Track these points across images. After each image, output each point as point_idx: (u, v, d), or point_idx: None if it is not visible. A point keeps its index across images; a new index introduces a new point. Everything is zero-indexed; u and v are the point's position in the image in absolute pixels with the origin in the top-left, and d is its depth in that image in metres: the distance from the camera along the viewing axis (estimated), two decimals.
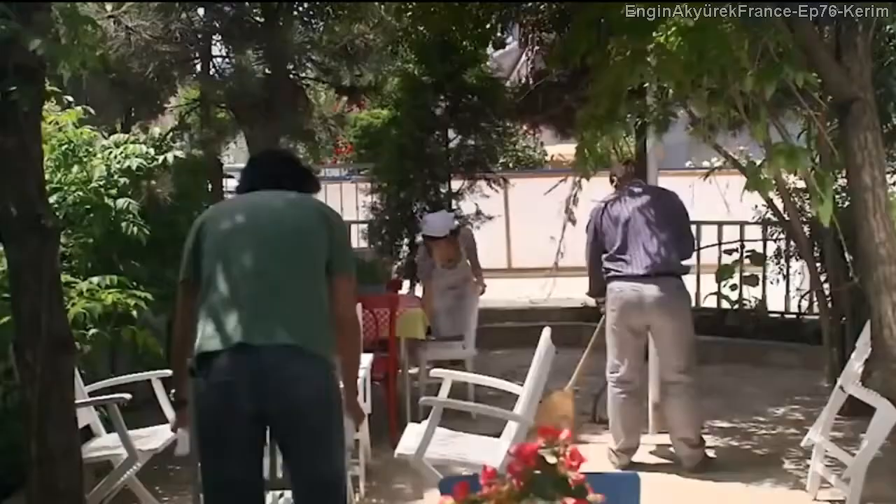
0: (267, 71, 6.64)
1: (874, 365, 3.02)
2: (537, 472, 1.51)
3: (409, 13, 7.00)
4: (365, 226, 9.42)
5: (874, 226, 2.96)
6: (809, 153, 4.13)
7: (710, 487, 4.94)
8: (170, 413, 4.38)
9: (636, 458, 5.38)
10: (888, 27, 5.21)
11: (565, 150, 10.43)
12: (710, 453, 5.40)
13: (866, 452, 4.20)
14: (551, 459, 1.49)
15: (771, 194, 6.70)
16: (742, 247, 8.65)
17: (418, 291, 8.36)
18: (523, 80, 9.19)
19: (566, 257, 6.26)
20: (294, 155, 3.80)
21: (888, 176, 5.68)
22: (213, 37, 7.03)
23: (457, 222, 7.12)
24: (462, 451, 4.22)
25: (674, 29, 3.16)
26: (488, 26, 7.30)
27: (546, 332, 4.26)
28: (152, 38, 6.27)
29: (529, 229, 11.15)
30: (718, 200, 8.65)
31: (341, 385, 3.15)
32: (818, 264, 6.99)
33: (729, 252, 8.76)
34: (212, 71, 7.10)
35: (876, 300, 2.98)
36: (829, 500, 4.64)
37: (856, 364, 4.43)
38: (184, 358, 3.18)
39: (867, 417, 4.30)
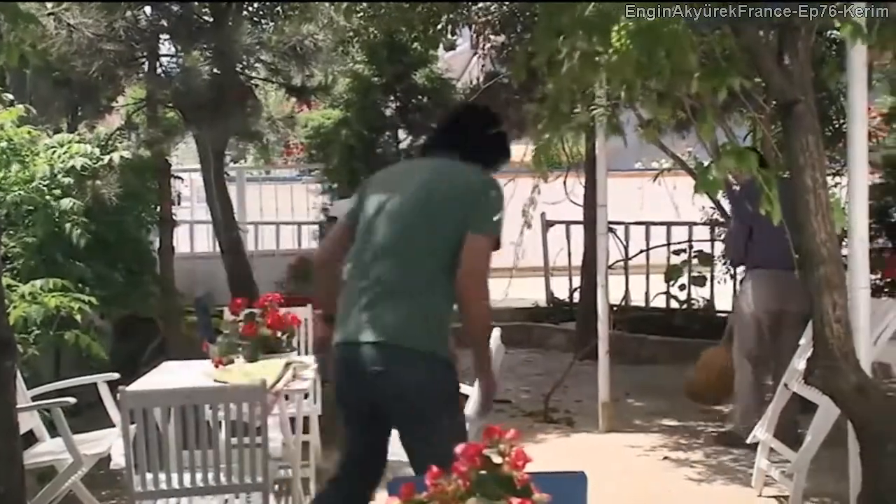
0: (215, 71, 6.56)
1: (815, 363, 3.07)
2: (483, 471, 1.51)
3: (360, 14, 6.98)
4: (316, 227, 9.36)
5: (815, 226, 3.02)
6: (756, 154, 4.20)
7: (658, 484, 4.98)
8: (115, 416, 4.31)
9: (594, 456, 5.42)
10: (829, 32, 5.31)
11: (517, 151, 10.46)
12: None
13: (809, 448, 4.27)
14: (497, 459, 1.50)
15: (719, 195, 6.79)
16: (690, 247, 8.75)
17: None
18: (474, 82, 9.21)
19: (520, 259, 6.32)
20: (490, 119, 3.47)
21: (830, 178, 5.80)
22: (160, 36, 6.93)
23: None
24: None
25: (624, 30, 3.17)
26: (439, 27, 7.30)
27: (495, 333, 4.26)
28: (96, 37, 6.16)
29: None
30: (667, 201, 8.79)
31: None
32: None
33: (677, 252, 8.87)
34: (158, 70, 7.00)
35: (818, 299, 3.03)
36: (775, 496, 4.70)
37: (799, 362, 4.51)
38: (329, 283, 3.28)
39: (812, 414, 4.38)
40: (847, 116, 3.47)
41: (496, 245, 3.07)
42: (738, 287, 6.88)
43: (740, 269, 6.08)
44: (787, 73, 2.99)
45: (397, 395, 3.03)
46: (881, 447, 2.98)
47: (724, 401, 6.22)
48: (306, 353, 5.35)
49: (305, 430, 4.74)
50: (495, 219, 3.06)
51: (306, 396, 4.60)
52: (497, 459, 1.50)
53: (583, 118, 3.79)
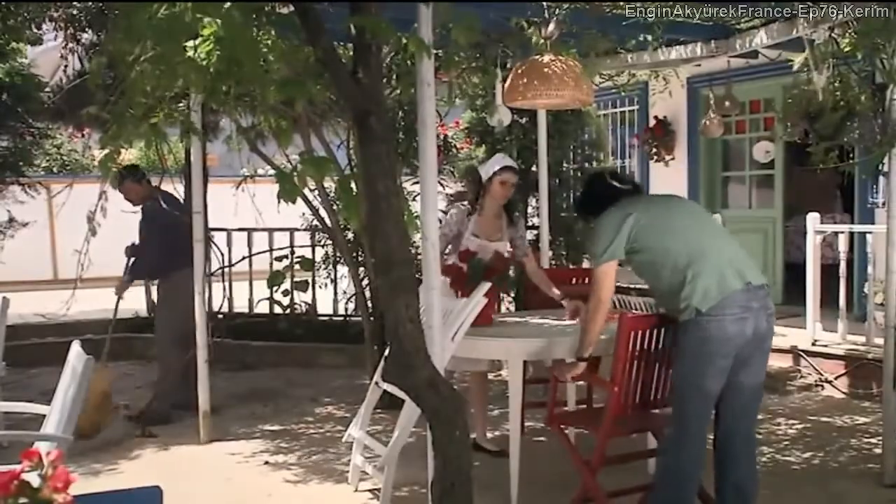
0: None
1: (391, 360, 3.26)
2: (22, 499, 1.41)
3: None
4: None
5: (388, 231, 3.19)
6: (335, 162, 4.38)
7: (257, 489, 4.98)
8: None
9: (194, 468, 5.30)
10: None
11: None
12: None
13: (397, 442, 4.52)
14: (36, 483, 1.40)
15: (317, 202, 6.99)
16: (292, 253, 8.89)
17: None
18: (65, 80, 8.65)
19: (103, 268, 6.02)
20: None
21: (411, 185, 6.19)
22: None
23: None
24: None
25: (205, 37, 3.14)
26: (19, 19, 6.76)
27: (76, 346, 4.03)
28: None
29: (79, 238, 10.49)
30: (271, 207, 8.85)
31: None
32: (361, 269, 7.42)
33: (280, 258, 8.96)
34: None
35: (391, 300, 3.20)
36: (370, 490, 4.91)
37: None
38: None
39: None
40: (419, 128, 3.73)
41: None
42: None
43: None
44: (361, 85, 3.13)
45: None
46: (449, 434, 3.22)
47: (102, 427, 5.93)
48: None
49: None
50: None
51: None
52: (36, 483, 1.40)
53: (158, 122, 3.68)
